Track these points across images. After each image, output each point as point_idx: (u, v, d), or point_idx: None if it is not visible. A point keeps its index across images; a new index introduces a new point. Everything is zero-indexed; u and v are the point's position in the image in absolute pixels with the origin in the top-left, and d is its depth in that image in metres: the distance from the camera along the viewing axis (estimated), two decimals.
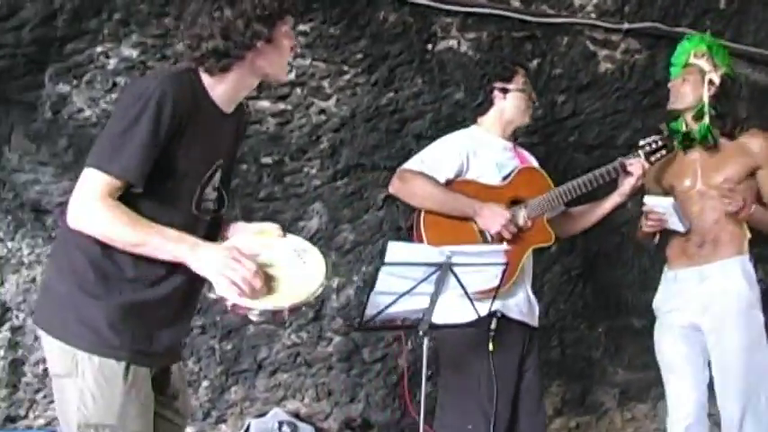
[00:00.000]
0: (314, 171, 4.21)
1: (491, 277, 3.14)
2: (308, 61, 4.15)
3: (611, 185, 3.70)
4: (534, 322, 3.61)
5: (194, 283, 2.39)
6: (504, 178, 3.61)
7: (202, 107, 2.34)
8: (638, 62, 4.82)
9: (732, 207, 3.54)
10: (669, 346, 3.72)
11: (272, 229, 2.54)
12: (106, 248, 2.24)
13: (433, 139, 4.22)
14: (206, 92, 2.36)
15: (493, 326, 3.38)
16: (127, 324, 2.28)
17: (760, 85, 5.03)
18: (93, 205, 2.18)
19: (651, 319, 4.88)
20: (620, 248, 4.88)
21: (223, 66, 2.32)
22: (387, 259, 2.90)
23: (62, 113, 3.79)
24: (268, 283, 2.26)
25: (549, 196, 3.59)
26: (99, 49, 3.80)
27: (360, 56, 4.22)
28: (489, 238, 3.46)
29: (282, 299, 2.26)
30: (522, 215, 3.53)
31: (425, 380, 3.15)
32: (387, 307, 2.97)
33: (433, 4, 4.26)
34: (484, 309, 3.15)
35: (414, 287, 2.96)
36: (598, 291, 4.86)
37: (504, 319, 3.42)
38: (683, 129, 3.73)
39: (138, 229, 2.20)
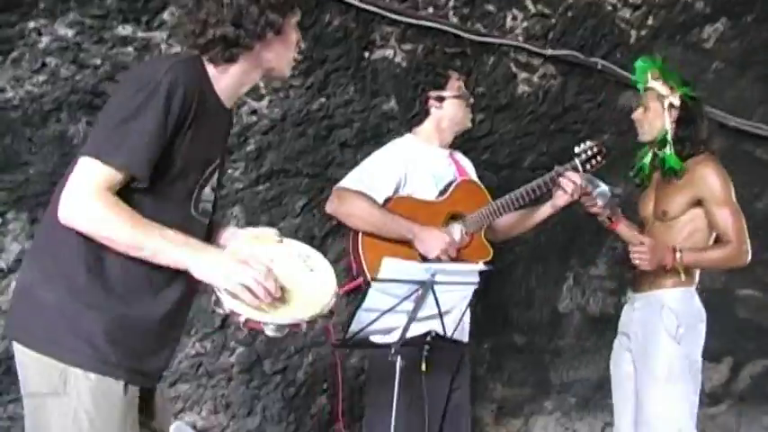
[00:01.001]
0: (237, 174, 3.95)
1: (461, 297, 3.11)
2: None
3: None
4: (465, 338, 3.55)
5: (186, 300, 2.22)
6: (442, 192, 3.54)
7: (209, 99, 2.15)
8: (552, 87, 4.85)
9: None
10: (615, 366, 3.73)
11: (269, 234, 2.39)
12: (102, 248, 2.00)
13: (357, 148, 4.11)
14: (211, 84, 2.17)
15: (426, 346, 3.31)
16: (125, 338, 2.06)
17: None
18: (90, 200, 1.94)
19: (533, 336, 5.08)
20: (512, 267, 4.98)
21: (229, 55, 2.15)
22: (380, 275, 2.79)
23: None
24: (281, 294, 2.10)
25: (487, 210, 3.54)
26: (31, 24, 3.32)
27: (299, 57, 3.96)
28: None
29: (299, 311, 2.11)
30: (461, 231, 3.48)
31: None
32: (370, 323, 2.88)
33: (378, 11, 4.05)
34: (450, 325, 3.10)
35: (396, 305, 2.88)
36: (487, 307, 4.92)
37: (437, 337, 3.36)
38: (648, 161, 3.67)
39: (138, 230, 1.98)
